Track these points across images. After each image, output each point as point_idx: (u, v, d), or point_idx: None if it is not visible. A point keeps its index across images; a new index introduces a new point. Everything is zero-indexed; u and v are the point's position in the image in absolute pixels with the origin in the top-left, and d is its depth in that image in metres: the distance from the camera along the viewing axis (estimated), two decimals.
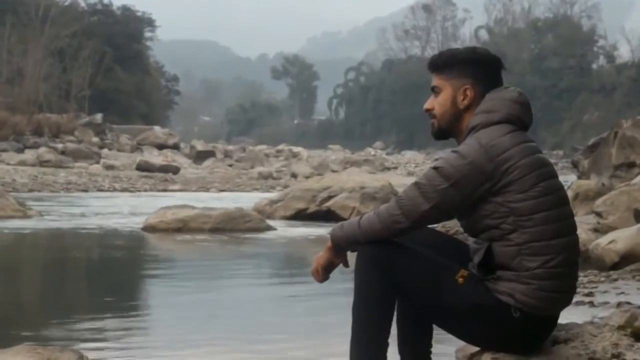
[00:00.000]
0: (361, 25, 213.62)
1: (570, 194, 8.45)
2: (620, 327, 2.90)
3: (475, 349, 2.86)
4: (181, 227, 10.24)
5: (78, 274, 7.79)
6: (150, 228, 10.31)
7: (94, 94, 49.32)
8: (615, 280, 5.92)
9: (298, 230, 11.01)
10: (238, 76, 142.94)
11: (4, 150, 29.61)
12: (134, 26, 61.38)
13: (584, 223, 7.20)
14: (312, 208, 12.59)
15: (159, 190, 20.93)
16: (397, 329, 2.89)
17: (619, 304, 4.80)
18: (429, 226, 2.85)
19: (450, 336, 2.86)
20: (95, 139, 37.17)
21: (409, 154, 57.20)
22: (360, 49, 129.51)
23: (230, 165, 36.33)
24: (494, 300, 2.66)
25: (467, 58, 2.82)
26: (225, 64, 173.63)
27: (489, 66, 2.84)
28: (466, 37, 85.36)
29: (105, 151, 34.57)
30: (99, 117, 40.66)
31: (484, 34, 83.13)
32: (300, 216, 12.47)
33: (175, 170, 29.28)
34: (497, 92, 2.79)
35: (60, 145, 32.49)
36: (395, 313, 2.77)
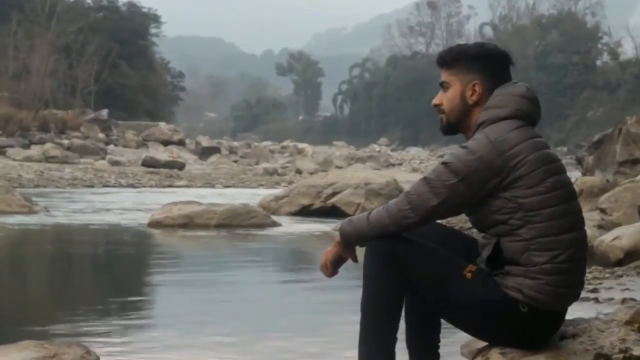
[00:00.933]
0: (366, 21, 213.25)
1: None
2: (628, 323, 2.90)
3: (483, 343, 2.87)
4: (187, 223, 10.25)
5: (84, 269, 7.81)
6: (155, 224, 10.32)
7: (99, 90, 49.38)
8: (620, 276, 5.92)
9: (303, 226, 11.01)
10: (243, 72, 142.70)
11: (10, 146, 29.60)
12: (140, 22, 61.39)
13: (588, 219, 7.11)
14: (317, 204, 12.59)
15: (164, 186, 20.95)
16: (405, 324, 2.89)
17: (623, 300, 4.81)
18: (438, 221, 2.86)
19: (457, 331, 2.86)
20: (101, 135, 37.21)
21: (413, 151, 57.16)
22: (365, 46, 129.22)
23: (236, 161, 36.37)
24: (502, 295, 2.66)
25: (476, 53, 2.83)
26: (230, 60, 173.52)
27: (498, 62, 2.84)
28: (471, 33, 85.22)
29: (111, 147, 34.57)
30: (104, 113, 40.73)
31: (488, 31, 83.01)
32: (305, 212, 12.47)
33: (181, 166, 29.33)
34: (505, 88, 2.79)
35: (66, 141, 32.50)
36: (403, 308, 2.77)
